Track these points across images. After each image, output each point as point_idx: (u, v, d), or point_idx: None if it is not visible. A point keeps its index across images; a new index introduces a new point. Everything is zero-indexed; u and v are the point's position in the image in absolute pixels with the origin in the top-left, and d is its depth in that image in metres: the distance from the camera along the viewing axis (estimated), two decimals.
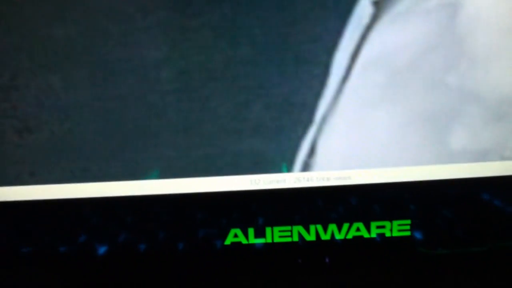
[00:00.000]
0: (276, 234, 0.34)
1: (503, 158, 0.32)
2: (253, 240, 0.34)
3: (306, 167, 0.32)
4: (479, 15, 0.30)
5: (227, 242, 0.34)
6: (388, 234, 0.33)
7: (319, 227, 0.34)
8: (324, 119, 0.32)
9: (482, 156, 0.32)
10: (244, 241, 0.34)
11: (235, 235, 0.34)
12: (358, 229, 0.33)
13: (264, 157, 0.32)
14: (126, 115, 0.31)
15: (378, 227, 0.33)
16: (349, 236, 0.34)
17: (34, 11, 0.29)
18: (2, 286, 0.34)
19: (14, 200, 0.33)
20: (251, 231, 0.34)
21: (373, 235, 0.34)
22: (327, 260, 0.34)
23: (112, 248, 0.34)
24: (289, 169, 0.32)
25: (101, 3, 0.29)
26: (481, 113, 0.31)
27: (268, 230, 0.34)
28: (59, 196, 0.33)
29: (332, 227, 0.34)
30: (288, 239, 0.34)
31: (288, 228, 0.34)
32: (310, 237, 0.34)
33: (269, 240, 0.34)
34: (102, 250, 0.34)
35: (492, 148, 0.32)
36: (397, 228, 0.33)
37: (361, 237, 0.34)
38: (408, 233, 0.33)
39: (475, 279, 0.34)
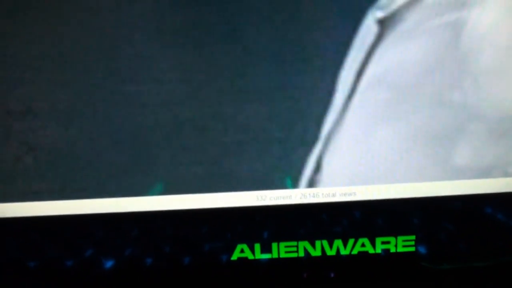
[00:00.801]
0: (282, 250, 0.34)
1: (506, 174, 0.32)
2: (259, 255, 0.34)
3: (312, 183, 0.33)
4: (482, 34, 0.30)
5: (234, 257, 0.34)
6: (393, 250, 0.34)
7: (325, 243, 0.34)
8: (329, 136, 0.32)
9: (485, 172, 0.32)
10: (251, 257, 0.34)
11: (242, 251, 0.34)
12: (363, 245, 0.34)
13: (270, 173, 0.32)
14: (131, 131, 0.32)
15: (383, 242, 0.34)
16: (355, 252, 0.34)
17: (40, 26, 0.30)
18: None
19: (21, 216, 0.33)
20: (257, 246, 0.34)
21: (378, 250, 0.34)
22: (332, 275, 0.34)
23: (119, 263, 0.34)
24: (295, 185, 0.33)
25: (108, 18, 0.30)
26: (485, 130, 0.32)
27: (274, 245, 0.34)
28: (65, 212, 0.33)
29: (338, 242, 0.34)
30: (294, 255, 0.34)
31: (294, 243, 0.34)
32: (316, 252, 0.34)
33: (275, 255, 0.34)
34: (108, 264, 0.34)
35: (496, 164, 0.32)
36: (402, 244, 0.34)
37: (366, 252, 0.34)
38: (413, 249, 0.34)
39: None
